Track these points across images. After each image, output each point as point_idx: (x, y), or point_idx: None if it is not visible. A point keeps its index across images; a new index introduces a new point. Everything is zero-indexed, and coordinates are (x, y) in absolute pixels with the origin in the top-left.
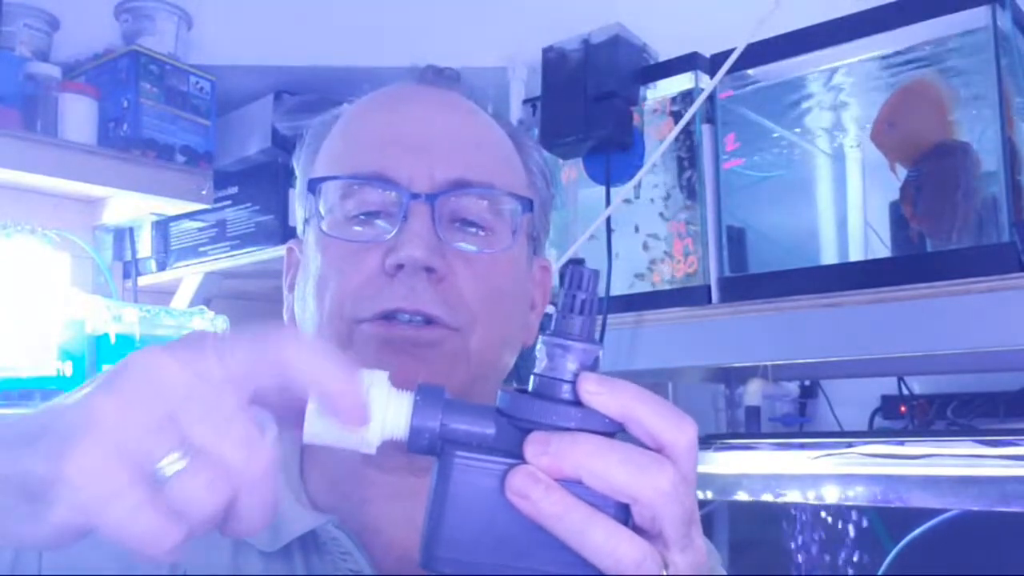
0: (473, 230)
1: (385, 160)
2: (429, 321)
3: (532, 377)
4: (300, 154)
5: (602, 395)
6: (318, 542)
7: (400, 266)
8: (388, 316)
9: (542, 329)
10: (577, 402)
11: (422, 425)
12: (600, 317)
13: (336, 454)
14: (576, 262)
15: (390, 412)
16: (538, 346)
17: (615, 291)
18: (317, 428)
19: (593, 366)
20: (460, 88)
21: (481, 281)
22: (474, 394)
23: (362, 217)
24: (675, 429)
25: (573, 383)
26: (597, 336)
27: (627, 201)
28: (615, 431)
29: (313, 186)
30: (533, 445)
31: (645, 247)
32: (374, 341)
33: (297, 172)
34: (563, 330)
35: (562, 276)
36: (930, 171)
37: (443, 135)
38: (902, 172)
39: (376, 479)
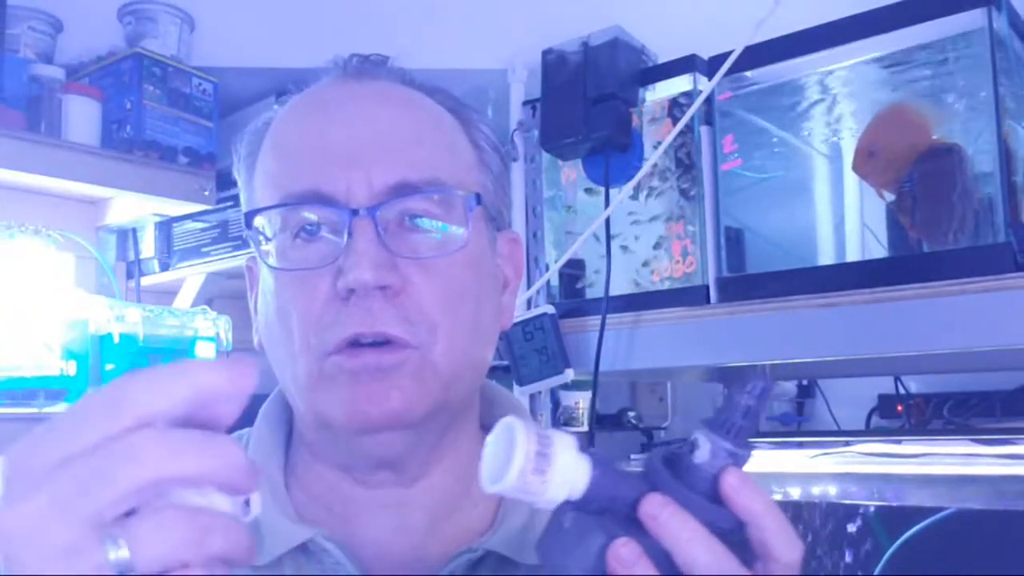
0: (425, 226)
1: (319, 176)
2: (391, 341)
3: (684, 456)
4: (240, 167)
5: (741, 491)
6: (308, 554)
7: (352, 290)
8: (351, 343)
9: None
10: (711, 494)
11: (601, 485)
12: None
13: (315, 470)
14: (754, 373)
15: (581, 469)
16: (696, 435)
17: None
18: (514, 472)
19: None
20: (390, 74)
21: (440, 286)
22: (449, 396)
23: (305, 235)
24: (787, 545)
25: (714, 476)
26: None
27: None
28: (732, 528)
29: (249, 220)
30: (650, 504)
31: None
32: (341, 374)
33: (240, 186)
34: (726, 427)
35: (738, 379)
36: (923, 177)
37: (376, 136)
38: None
39: (360, 494)
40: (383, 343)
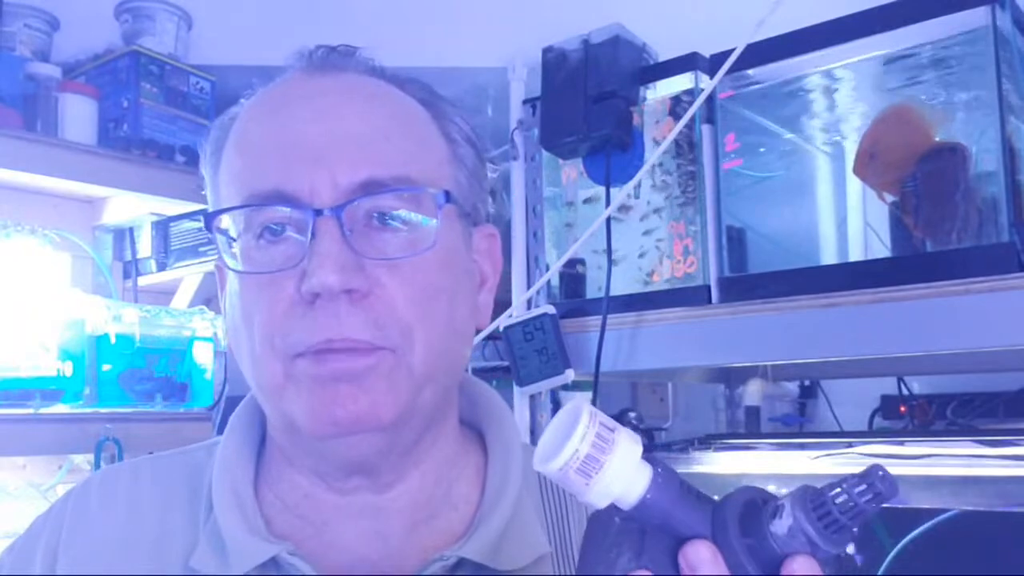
0: (393, 224)
1: (283, 174)
2: (360, 345)
3: (763, 514)
4: (206, 163)
5: None
6: (278, 568)
7: (317, 294)
8: (319, 349)
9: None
10: (770, 569)
11: (651, 507)
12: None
13: (289, 477)
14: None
15: (633, 484)
16: (785, 501)
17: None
18: (555, 466)
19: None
20: (357, 65)
21: (411, 287)
22: (422, 400)
23: (269, 236)
24: None
25: (782, 554)
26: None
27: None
28: None
29: (209, 221)
30: (695, 552)
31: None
32: (309, 379)
33: (206, 183)
34: (818, 512)
35: (865, 473)
36: (926, 177)
37: (342, 132)
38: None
39: (334, 501)
40: (352, 348)
